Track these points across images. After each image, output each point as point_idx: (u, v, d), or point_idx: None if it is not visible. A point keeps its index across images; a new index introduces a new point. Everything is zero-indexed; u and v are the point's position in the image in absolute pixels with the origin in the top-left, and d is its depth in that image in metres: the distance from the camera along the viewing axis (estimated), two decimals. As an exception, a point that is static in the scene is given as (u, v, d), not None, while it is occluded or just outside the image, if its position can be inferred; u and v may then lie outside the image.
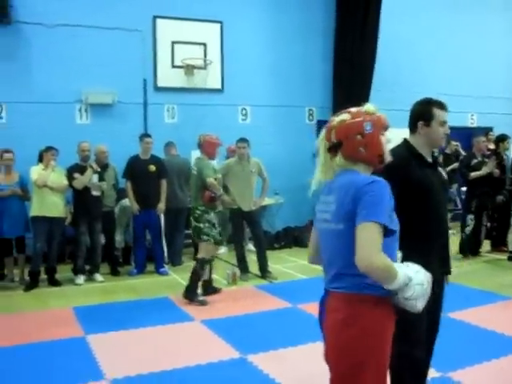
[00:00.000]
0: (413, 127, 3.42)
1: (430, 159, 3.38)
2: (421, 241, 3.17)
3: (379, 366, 2.53)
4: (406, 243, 2.74)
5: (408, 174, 3.19)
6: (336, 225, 2.52)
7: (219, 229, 6.87)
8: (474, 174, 8.75)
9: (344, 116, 2.63)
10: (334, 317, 2.57)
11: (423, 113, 3.38)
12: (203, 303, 6.56)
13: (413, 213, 3.13)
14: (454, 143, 11.12)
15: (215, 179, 6.70)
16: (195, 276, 6.66)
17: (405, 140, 3.50)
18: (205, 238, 6.68)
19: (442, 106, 3.39)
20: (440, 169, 3.49)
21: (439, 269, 3.30)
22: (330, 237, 2.60)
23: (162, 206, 8.33)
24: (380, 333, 2.50)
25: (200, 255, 6.74)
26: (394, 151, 2.96)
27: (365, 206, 2.40)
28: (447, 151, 10.87)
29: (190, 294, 6.63)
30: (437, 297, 3.38)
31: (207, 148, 6.91)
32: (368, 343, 2.47)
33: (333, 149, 2.61)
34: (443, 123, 3.35)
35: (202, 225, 6.68)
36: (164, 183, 8.39)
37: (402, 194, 2.87)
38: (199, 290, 6.81)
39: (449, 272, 3.54)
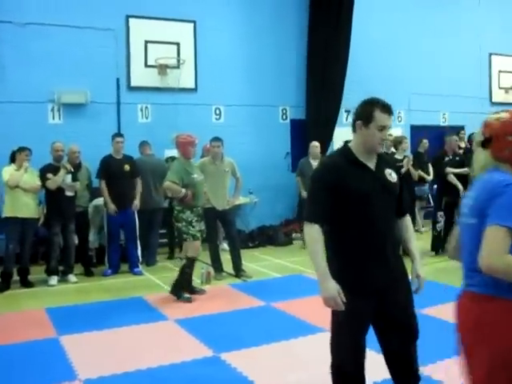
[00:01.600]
0: (353, 126, 3.28)
1: (368, 162, 3.26)
2: (354, 245, 3.25)
3: None
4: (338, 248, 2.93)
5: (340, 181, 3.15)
6: (470, 219, 2.49)
7: (199, 226, 6.85)
8: (452, 170, 8.85)
9: (503, 114, 2.54)
10: (463, 318, 2.55)
11: (363, 113, 3.21)
12: (188, 300, 6.62)
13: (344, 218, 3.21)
14: (424, 141, 11.24)
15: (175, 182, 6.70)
16: (183, 274, 6.71)
17: (344, 143, 3.41)
18: (185, 236, 6.75)
19: (385, 109, 3.18)
20: (388, 171, 3.33)
21: (385, 273, 3.35)
22: (464, 231, 2.58)
23: (136, 202, 8.33)
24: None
25: (188, 254, 6.77)
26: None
27: (497, 207, 2.34)
28: (420, 150, 10.99)
29: (176, 291, 6.68)
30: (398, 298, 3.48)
31: (181, 148, 6.95)
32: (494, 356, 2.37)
33: (484, 143, 2.56)
34: (382, 128, 3.16)
35: (179, 224, 6.76)
36: (139, 182, 8.41)
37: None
38: (169, 288, 6.86)
39: (402, 273, 3.58)
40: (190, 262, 6.79)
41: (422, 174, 8.99)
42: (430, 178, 10.35)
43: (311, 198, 3.29)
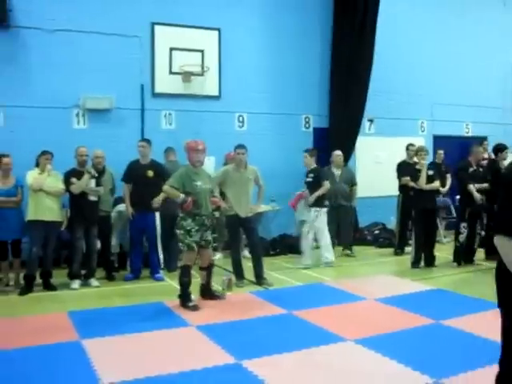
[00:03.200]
0: None
1: None
2: None
3: None
4: None
5: None
6: None
7: (201, 235, 6.83)
8: (471, 187, 8.79)
9: None
10: None
11: None
12: (194, 308, 6.59)
13: None
14: (439, 152, 11.16)
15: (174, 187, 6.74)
16: (180, 283, 6.78)
17: None
18: (180, 245, 6.79)
19: None
20: None
21: None
22: None
23: (155, 200, 8.24)
24: None
25: (182, 262, 6.87)
26: None
27: None
28: (436, 161, 10.90)
29: (181, 300, 6.73)
30: None
31: (187, 154, 6.99)
32: None
33: None
34: None
35: (178, 231, 6.78)
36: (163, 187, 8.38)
37: None
38: (193, 296, 6.86)
39: None
40: (184, 270, 6.79)
41: (431, 186, 8.86)
42: (445, 190, 10.21)
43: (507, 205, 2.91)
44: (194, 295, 6.92)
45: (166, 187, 6.82)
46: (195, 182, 6.84)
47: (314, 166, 9.22)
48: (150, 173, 8.31)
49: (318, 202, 9.06)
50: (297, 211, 10.14)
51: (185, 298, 6.74)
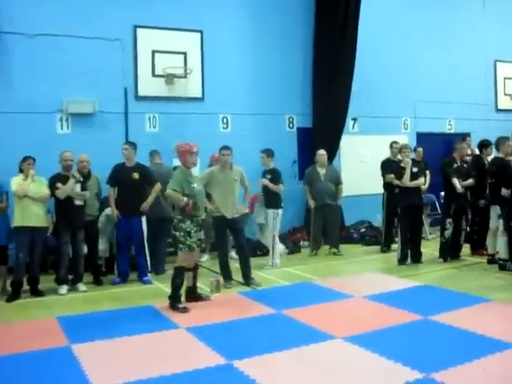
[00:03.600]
0: None
1: None
2: None
3: None
4: None
5: None
6: None
7: (197, 236, 6.88)
8: (455, 180, 8.84)
9: None
10: None
11: None
12: (184, 310, 6.59)
13: None
14: (419, 149, 11.23)
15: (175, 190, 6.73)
16: (173, 284, 6.75)
17: None
18: (180, 246, 6.77)
19: None
20: None
21: None
22: None
23: (144, 204, 8.27)
24: None
25: (176, 263, 6.82)
26: None
27: None
28: (416, 158, 10.95)
29: (171, 302, 6.71)
30: None
31: (180, 157, 6.98)
32: None
33: None
34: None
35: (177, 233, 6.76)
36: (154, 188, 8.38)
37: None
38: (182, 297, 6.87)
39: None
40: (179, 272, 6.79)
41: (415, 183, 8.93)
42: (425, 187, 10.24)
43: None
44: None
45: (169, 191, 6.74)
46: (192, 184, 6.87)
47: (271, 166, 9.32)
48: (136, 175, 8.29)
49: (275, 203, 9.17)
50: (253, 213, 9.93)
51: (175, 300, 6.72)
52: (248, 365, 4.72)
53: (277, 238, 9.26)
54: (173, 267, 6.99)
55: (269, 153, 9.36)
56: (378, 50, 12.27)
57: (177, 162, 9.30)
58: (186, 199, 6.69)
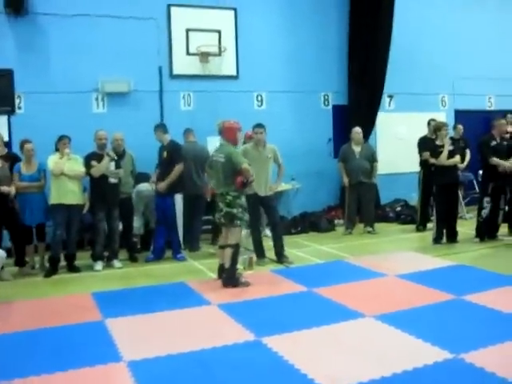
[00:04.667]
0: None
1: None
2: None
3: None
4: None
5: None
6: None
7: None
8: (496, 161, 8.67)
9: None
10: None
11: None
12: (246, 284, 6.68)
13: None
14: (459, 126, 11.04)
15: (249, 165, 6.73)
16: (233, 261, 6.74)
17: None
18: (238, 222, 6.74)
19: None
20: None
21: None
22: None
23: (162, 184, 8.28)
24: None
25: (232, 241, 6.76)
26: None
27: None
28: (455, 136, 10.78)
29: (232, 281, 6.69)
30: None
31: (228, 134, 6.96)
32: None
33: None
34: None
35: (235, 210, 6.71)
36: (177, 168, 8.34)
37: None
38: (213, 275, 6.97)
39: None
40: (237, 248, 6.81)
41: (453, 160, 8.75)
42: (463, 165, 10.05)
43: None
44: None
45: (246, 166, 6.65)
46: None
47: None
48: (165, 154, 8.38)
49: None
50: None
51: (236, 275, 6.77)
52: (277, 341, 4.75)
53: None
54: (215, 244, 6.90)
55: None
56: (414, 26, 11.99)
57: (212, 140, 9.46)
58: (254, 175, 6.75)
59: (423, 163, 9.82)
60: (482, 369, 4.02)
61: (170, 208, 8.41)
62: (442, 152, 8.75)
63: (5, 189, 7.32)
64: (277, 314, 5.60)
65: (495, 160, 8.65)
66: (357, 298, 6.06)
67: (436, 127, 9.19)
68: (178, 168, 8.34)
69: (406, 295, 6.13)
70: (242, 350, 4.64)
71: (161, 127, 8.63)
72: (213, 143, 9.45)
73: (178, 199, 8.56)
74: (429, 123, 10.19)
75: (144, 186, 8.80)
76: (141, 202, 8.94)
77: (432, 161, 8.95)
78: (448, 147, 8.80)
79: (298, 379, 4.02)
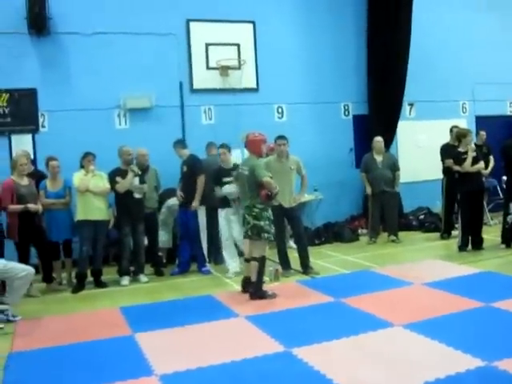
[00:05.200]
0: None
1: None
2: None
3: None
4: None
5: None
6: None
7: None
8: None
9: None
10: None
11: None
12: (274, 296, 6.69)
13: None
14: (482, 133, 10.97)
15: (271, 177, 6.74)
16: (260, 275, 6.75)
17: None
18: (265, 235, 6.73)
19: None
20: None
21: None
22: None
23: (194, 204, 8.30)
24: None
25: (259, 254, 6.75)
26: None
27: None
28: (477, 142, 10.71)
29: (259, 293, 6.71)
30: None
31: (252, 147, 7.00)
32: None
33: None
34: None
35: (262, 222, 6.70)
36: (199, 181, 8.31)
37: None
38: (238, 287, 7.03)
39: None
40: (264, 261, 6.82)
41: (477, 167, 8.70)
42: (487, 171, 9.96)
43: None
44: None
45: (268, 179, 6.64)
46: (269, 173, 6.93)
47: (232, 163, 8.42)
48: (185, 168, 8.44)
49: (224, 203, 8.30)
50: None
51: (262, 289, 6.78)
52: (307, 352, 4.75)
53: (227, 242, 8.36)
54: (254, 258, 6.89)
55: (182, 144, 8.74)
56: (433, 33, 11.99)
57: (233, 153, 9.51)
58: (278, 187, 6.75)
59: (446, 170, 9.76)
60: (516, 376, 3.99)
61: (192, 221, 8.45)
62: (465, 159, 8.70)
63: (32, 206, 7.41)
64: (305, 325, 5.60)
65: None
66: (384, 307, 6.04)
67: (461, 134, 9.07)
68: (201, 180, 8.35)
69: (434, 303, 6.08)
70: (273, 361, 4.65)
71: (179, 143, 8.71)
72: (235, 156, 9.53)
73: (202, 212, 8.59)
74: (451, 130, 10.13)
75: (174, 201, 8.84)
76: (171, 216, 9.01)
77: (456, 168, 8.90)
78: (471, 154, 8.75)
79: (330, 389, 4.02)
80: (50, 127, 9.53)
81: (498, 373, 4.11)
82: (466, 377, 4.07)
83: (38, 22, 9.22)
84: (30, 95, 9.43)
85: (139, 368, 4.61)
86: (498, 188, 11.50)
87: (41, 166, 8.56)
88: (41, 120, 9.53)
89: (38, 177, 8.08)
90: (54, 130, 9.46)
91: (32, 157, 8.92)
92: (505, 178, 9.43)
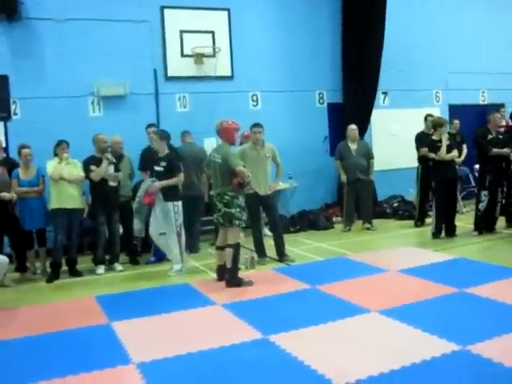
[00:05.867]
0: None
1: None
2: None
3: None
4: None
5: None
6: None
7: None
8: (496, 151, 8.73)
9: None
10: None
11: None
12: (250, 284, 6.71)
13: None
14: (455, 121, 11.09)
15: (244, 166, 6.73)
16: (235, 261, 6.77)
17: None
18: (237, 222, 6.76)
19: None
20: None
21: None
22: None
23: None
24: None
25: (232, 241, 6.78)
26: None
27: None
28: (451, 131, 10.82)
29: (235, 280, 6.72)
30: None
31: (225, 134, 6.97)
32: None
33: None
34: None
35: (233, 210, 6.73)
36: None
37: None
38: (214, 275, 7.06)
39: None
40: (238, 248, 6.85)
41: (451, 155, 8.80)
42: (460, 159, 10.05)
43: None
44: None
45: (241, 168, 6.64)
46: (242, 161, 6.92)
47: (166, 152, 7.77)
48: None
49: (174, 195, 7.73)
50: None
51: (238, 276, 6.80)
52: (284, 339, 4.77)
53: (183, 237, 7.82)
54: (213, 244, 6.86)
55: (161, 135, 7.83)
56: (408, 22, 12.06)
57: (209, 142, 9.50)
58: (250, 175, 6.75)
59: (421, 159, 9.84)
60: (490, 359, 4.06)
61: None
62: (439, 147, 8.78)
63: (5, 195, 7.31)
64: (282, 312, 5.63)
65: (495, 150, 8.72)
66: (360, 293, 6.10)
67: (437, 123, 9.07)
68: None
69: (409, 289, 6.16)
70: (251, 348, 4.66)
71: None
72: (210, 144, 9.51)
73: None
74: (425, 119, 10.21)
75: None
76: (144, 205, 8.89)
77: (432, 156, 8.97)
78: (445, 142, 8.83)
79: (308, 375, 4.05)
80: (22, 115, 9.39)
81: (473, 356, 4.17)
82: (442, 361, 4.13)
83: (9, 7, 9.06)
84: (1, 82, 9.26)
85: (116, 356, 4.58)
86: (471, 176, 11.65)
87: (13, 154, 8.44)
88: (13, 107, 9.38)
89: (10, 165, 7.96)
90: (27, 117, 9.32)
91: (4, 145, 8.78)
92: (477, 166, 9.58)
